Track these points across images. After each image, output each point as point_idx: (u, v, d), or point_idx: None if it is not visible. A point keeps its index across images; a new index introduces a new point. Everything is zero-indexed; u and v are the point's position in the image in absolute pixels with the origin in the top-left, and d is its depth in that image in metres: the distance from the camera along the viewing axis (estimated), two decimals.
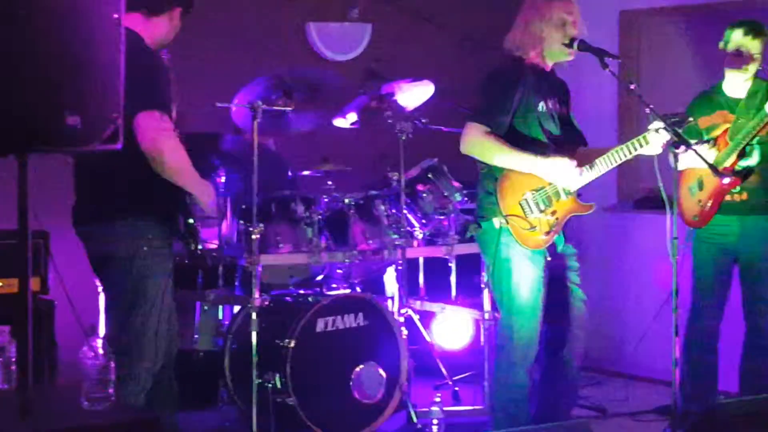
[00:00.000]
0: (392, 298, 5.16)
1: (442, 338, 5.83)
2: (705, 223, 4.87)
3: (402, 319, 5.06)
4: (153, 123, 3.69)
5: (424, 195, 5.12)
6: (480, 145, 4.16)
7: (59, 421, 2.82)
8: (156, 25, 3.91)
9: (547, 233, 4.18)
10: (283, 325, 4.62)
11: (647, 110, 4.05)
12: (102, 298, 4.35)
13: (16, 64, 2.64)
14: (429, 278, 5.68)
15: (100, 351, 2.88)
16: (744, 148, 4.72)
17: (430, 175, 5.15)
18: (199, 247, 4.34)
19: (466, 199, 5.13)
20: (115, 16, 2.81)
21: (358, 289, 5.08)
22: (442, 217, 5.12)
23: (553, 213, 4.21)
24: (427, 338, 5.58)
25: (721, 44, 4.82)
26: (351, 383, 4.72)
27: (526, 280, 4.16)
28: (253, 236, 4.44)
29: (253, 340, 4.40)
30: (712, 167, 4.20)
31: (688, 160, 4.43)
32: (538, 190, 4.20)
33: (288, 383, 4.52)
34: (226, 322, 5.04)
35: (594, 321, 4.49)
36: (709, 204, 4.82)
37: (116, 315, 3.90)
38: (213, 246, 4.59)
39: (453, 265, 5.52)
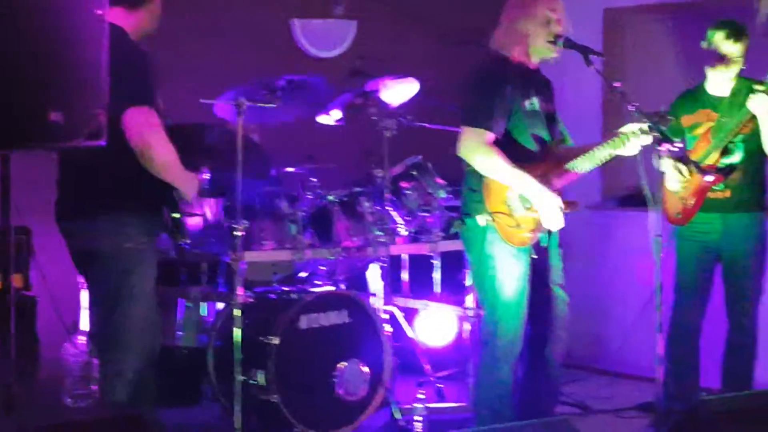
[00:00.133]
0: (376, 294, 5.16)
1: (425, 335, 5.82)
2: (688, 221, 4.89)
3: (386, 316, 5.06)
4: (141, 118, 3.69)
5: (409, 192, 5.12)
6: (480, 159, 4.09)
7: (43, 417, 2.81)
8: (138, 18, 3.90)
9: (532, 231, 4.17)
10: (267, 322, 4.61)
11: (630, 108, 4.06)
12: (84, 295, 4.33)
13: None
14: (413, 275, 5.68)
15: (83, 348, 2.87)
16: (727, 145, 4.74)
17: (414, 172, 5.15)
18: (187, 240, 4.30)
19: (450, 196, 5.12)
20: (99, 12, 2.80)
21: (342, 286, 5.06)
22: (426, 214, 5.13)
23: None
24: (411, 335, 5.58)
25: (703, 44, 4.81)
26: (334, 380, 4.71)
27: (510, 277, 4.15)
28: (237, 233, 4.43)
29: (237, 337, 4.40)
30: (696, 164, 4.22)
31: (667, 164, 4.44)
32: None
33: (271, 380, 4.52)
34: (210, 319, 5.03)
35: (578, 318, 4.49)
36: (692, 201, 4.84)
37: (100, 311, 3.88)
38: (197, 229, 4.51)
39: (437, 262, 5.53)
